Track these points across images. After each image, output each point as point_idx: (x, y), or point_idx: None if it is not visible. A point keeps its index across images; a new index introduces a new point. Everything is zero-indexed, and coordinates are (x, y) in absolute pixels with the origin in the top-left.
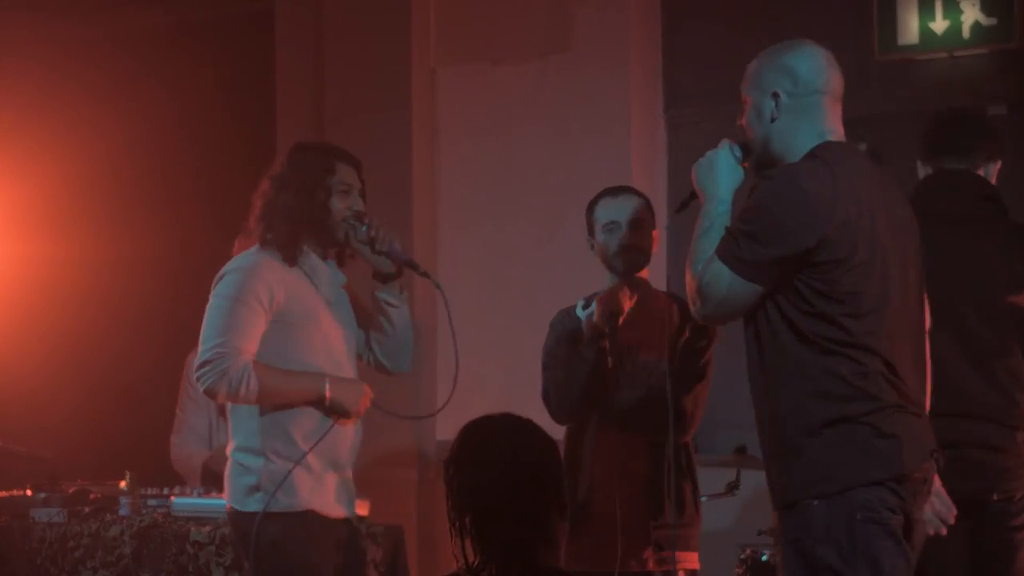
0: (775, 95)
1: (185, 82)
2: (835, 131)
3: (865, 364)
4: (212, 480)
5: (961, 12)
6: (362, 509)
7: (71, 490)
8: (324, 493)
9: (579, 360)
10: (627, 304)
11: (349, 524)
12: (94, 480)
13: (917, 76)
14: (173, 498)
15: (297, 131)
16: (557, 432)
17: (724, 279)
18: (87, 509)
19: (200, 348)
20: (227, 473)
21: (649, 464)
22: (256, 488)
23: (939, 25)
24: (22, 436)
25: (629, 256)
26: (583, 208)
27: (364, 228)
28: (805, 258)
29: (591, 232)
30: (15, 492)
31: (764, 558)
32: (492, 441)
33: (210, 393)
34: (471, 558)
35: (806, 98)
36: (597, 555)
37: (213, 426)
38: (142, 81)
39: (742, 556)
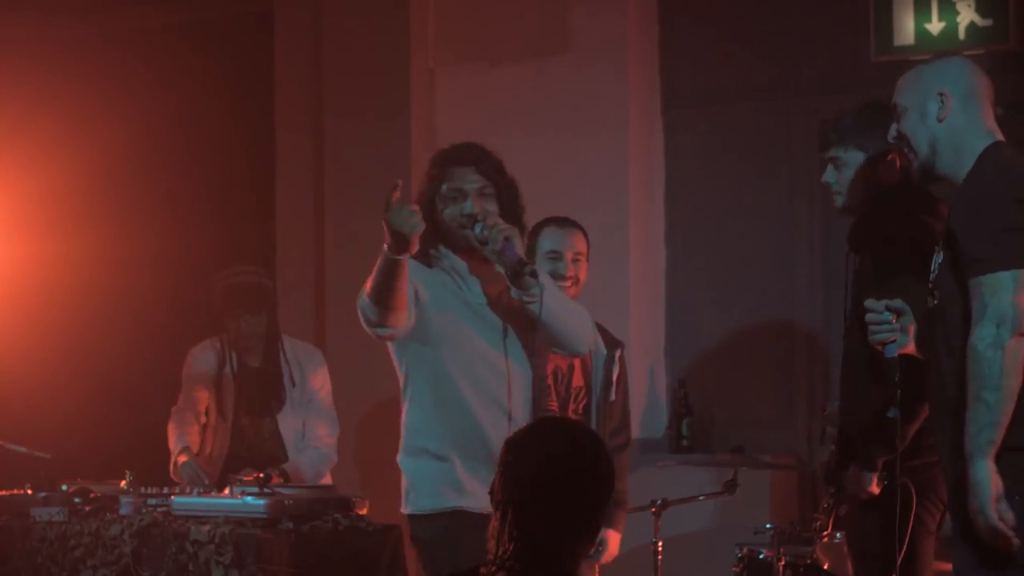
0: (941, 95)
1: (184, 83)
2: (999, 132)
3: None
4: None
5: (957, 13)
6: (361, 508)
7: (71, 489)
8: (472, 490)
9: None
10: None
11: None
12: (94, 479)
13: None
14: (173, 497)
15: (296, 131)
16: None
17: (1007, 283)
18: (87, 508)
19: None
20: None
21: None
22: (409, 490)
23: (935, 26)
24: (22, 435)
25: (564, 287)
26: (581, 208)
27: (477, 230)
28: None
29: (531, 257)
30: (15, 491)
31: (761, 556)
32: (558, 440)
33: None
34: (504, 545)
35: (968, 100)
36: None
37: (213, 413)
38: (141, 82)
39: (739, 555)
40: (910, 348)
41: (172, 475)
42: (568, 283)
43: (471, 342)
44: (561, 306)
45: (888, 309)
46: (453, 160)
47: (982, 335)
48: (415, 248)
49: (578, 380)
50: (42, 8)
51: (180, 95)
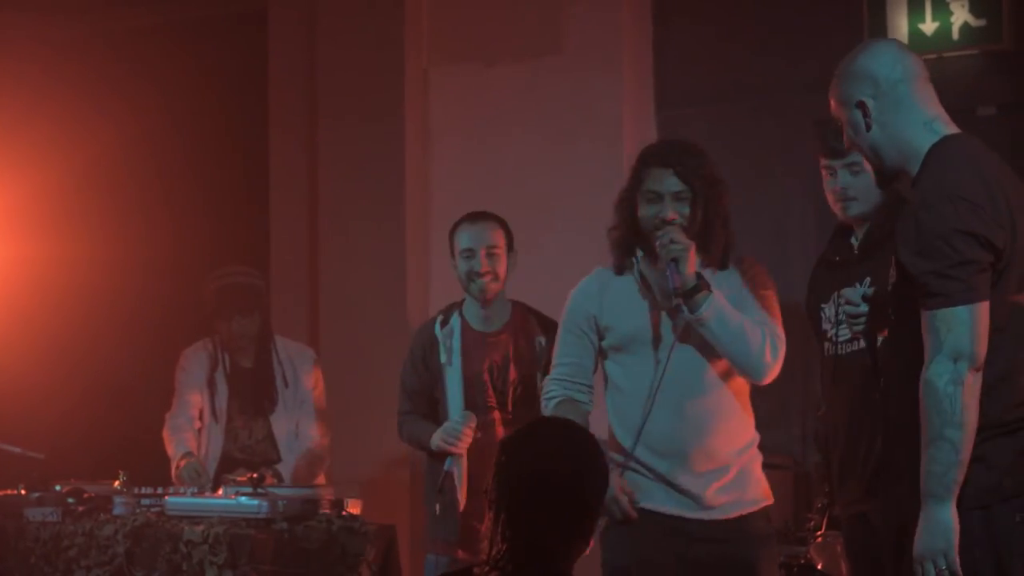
0: (860, 104)
1: (178, 82)
2: (939, 116)
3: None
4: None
5: (951, 13)
6: (355, 508)
7: (65, 489)
8: (644, 487)
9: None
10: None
11: (683, 521)
12: (88, 479)
13: None
14: (167, 497)
15: (289, 131)
16: None
17: (963, 318)
18: (81, 508)
19: None
20: None
21: None
22: None
23: (928, 26)
24: (16, 435)
25: (484, 283)
26: (575, 209)
27: (662, 235)
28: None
29: (453, 255)
30: (9, 491)
31: None
32: (551, 441)
33: None
34: (498, 545)
35: (892, 94)
36: None
37: (206, 415)
38: (136, 81)
39: None
40: (884, 331)
41: (175, 480)
42: (486, 278)
43: (645, 345)
44: (725, 333)
45: (864, 300)
46: (655, 160)
47: (940, 371)
48: None
49: (513, 373)
50: (37, 9)
51: (173, 95)
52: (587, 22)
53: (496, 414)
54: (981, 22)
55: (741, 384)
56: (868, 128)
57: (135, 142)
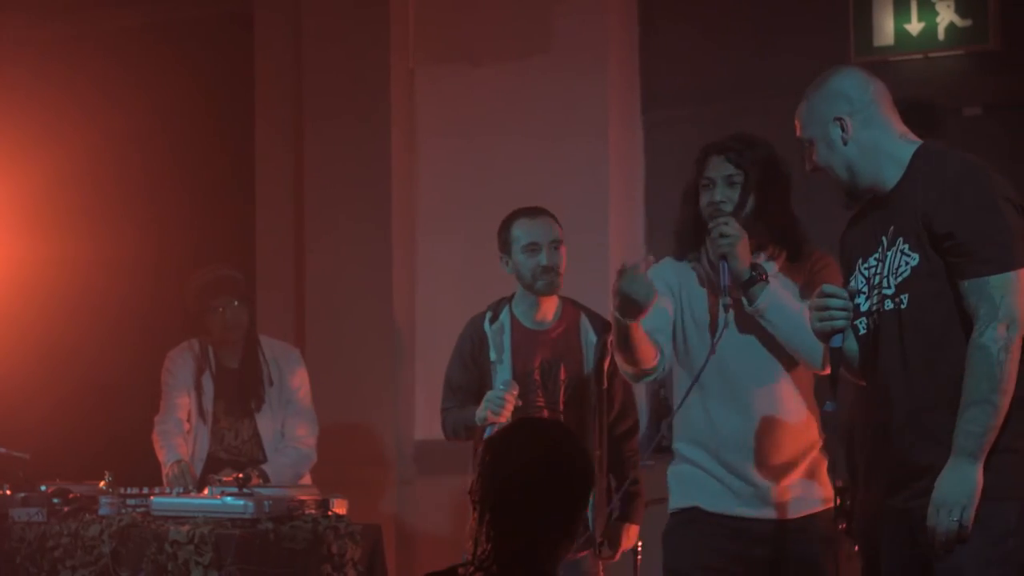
0: (838, 119)
1: (165, 83)
2: (909, 132)
3: None
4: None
5: (936, 14)
6: (340, 508)
7: (50, 489)
8: (710, 489)
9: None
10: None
11: (745, 521)
12: (74, 479)
13: (892, 78)
14: (152, 498)
15: (276, 131)
16: None
17: (1015, 284)
18: (66, 509)
19: None
20: None
21: None
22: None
23: (914, 27)
24: (1, 435)
25: (553, 277)
26: (562, 208)
27: (713, 228)
28: None
29: (506, 251)
30: None
31: None
32: (535, 442)
33: None
34: (483, 545)
35: (865, 111)
36: None
37: (193, 416)
38: (122, 82)
39: None
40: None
41: (165, 485)
42: (554, 273)
43: (703, 334)
44: (783, 323)
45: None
46: (712, 149)
47: (995, 336)
48: (646, 314)
49: (563, 372)
50: (23, 9)
51: (160, 96)
52: (574, 23)
53: (545, 414)
54: (967, 22)
55: (805, 379)
56: (845, 143)
57: (121, 142)
